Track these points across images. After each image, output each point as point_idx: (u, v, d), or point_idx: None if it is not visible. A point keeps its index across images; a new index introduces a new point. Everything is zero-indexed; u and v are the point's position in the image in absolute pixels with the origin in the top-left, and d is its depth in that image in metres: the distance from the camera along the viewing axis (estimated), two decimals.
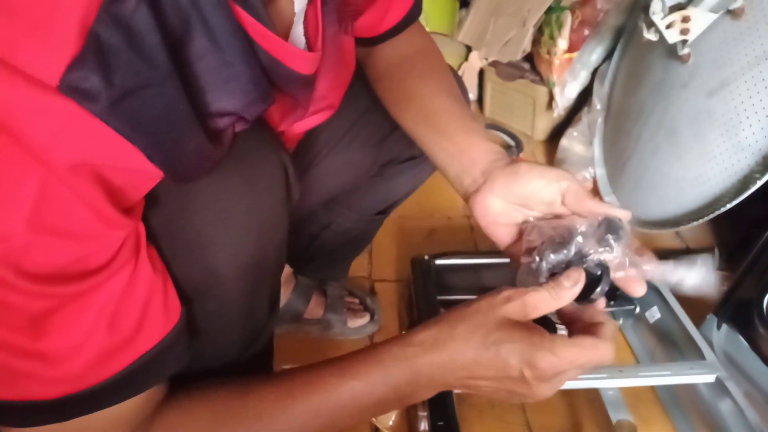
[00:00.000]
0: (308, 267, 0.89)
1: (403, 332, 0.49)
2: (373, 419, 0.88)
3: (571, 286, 0.47)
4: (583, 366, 0.46)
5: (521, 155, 1.54)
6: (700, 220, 1.02)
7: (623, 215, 0.52)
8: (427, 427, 0.80)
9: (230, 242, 0.46)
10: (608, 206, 0.52)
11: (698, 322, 0.94)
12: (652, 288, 0.99)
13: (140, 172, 0.37)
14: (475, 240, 1.30)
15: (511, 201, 0.55)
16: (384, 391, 0.47)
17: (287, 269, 0.98)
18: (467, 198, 0.58)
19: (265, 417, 0.46)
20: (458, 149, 0.58)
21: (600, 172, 1.37)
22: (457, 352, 0.46)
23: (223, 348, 0.54)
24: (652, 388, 0.95)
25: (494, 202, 0.55)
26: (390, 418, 0.87)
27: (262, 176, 0.49)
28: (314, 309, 1.02)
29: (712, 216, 1.00)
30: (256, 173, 0.49)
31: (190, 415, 0.47)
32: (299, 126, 0.65)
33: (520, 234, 0.56)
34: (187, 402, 0.47)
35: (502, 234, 0.56)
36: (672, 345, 0.94)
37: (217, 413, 0.47)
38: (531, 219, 0.56)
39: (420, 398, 0.48)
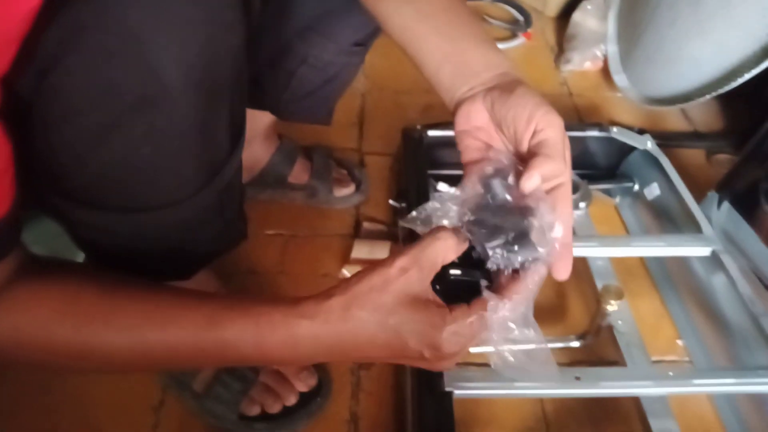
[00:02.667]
0: (289, 109, 0.83)
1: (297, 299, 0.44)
2: None
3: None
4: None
5: (530, 31, 1.44)
6: (713, 93, 0.96)
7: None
8: None
9: (173, 40, 0.41)
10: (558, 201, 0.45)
11: (698, 199, 0.89)
12: (655, 164, 0.94)
13: None
14: None
15: (494, 118, 0.48)
16: (252, 351, 0.44)
17: (269, 128, 0.93)
18: (454, 104, 0.51)
19: (117, 331, 0.44)
20: (463, 59, 0.51)
21: (612, 49, 1.28)
22: (348, 335, 0.42)
23: (181, 177, 0.50)
24: (643, 264, 0.92)
25: (479, 113, 0.49)
26: None
27: None
28: (299, 174, 0.98)
29: (727, 88, 0.94)
30: None
31: (40, 298, 0.43)
32: None
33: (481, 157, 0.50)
34: (45, 281, 0.44)
35: (470, 146, 0.50)
36: (669, 222, 0.90)
37: (67, 305, 0.44)
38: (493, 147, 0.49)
39: (301, 363, 0.44)
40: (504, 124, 0.47)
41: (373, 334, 0.42)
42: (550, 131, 0.44)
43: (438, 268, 0.43)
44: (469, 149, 0.50)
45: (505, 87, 0.48)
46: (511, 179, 0.46)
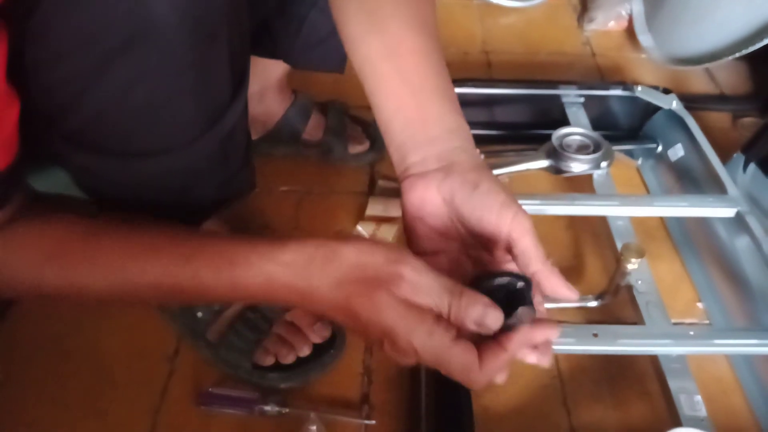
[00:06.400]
0: (302, 57, 0.81)
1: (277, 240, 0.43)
2: (375, 234, 0.85)
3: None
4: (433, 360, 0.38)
5: None
6: (744, 51, 0.92)
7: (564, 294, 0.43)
8: None
9: None
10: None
11: (723, 162, 0.87)
12: (680, 124, 0.92)
13: None
14: (492, 77, 1.21)
15: (453, 211, 0.45)
16: (228, 290, 0.43)
17: (282, 80, 0.91)
18: (402, 171, 0.46)
19: (101, 271, 0.45)
20: (419, 115, 0.46)
21: (637, 8, 1.24)
22: (316, 292, 0.40)
23: (180, 121, 0.49)
24: (664, 226, 0.90)
25: (436, 202, 0.45)
26: (391, 233, 0.84)
27: None
28: (313, 130, 0.96)
29: (757, 46, 0.90)
30: None
31: (33, 240, 0.45)
32: None
33: (441, 244, 0.46)
34: (40, 222, 0.46)
35: (423, 236, 0.46)
36: (692, 184, 0.88)
37: (58, 242, 0.45)
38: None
39: (277, 304, 0.44)
40: (466, 222, 0.44)
41: (328, 295, 0.40)
42: (526, 240, 0.42)
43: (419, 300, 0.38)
44: (422, 239, 0.46)
45: (467, 175, 0.44)
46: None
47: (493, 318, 0.38)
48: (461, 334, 0.39)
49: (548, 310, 0.78)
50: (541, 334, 0.41)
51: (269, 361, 0.67)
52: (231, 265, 0.42)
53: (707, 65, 1.06)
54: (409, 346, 0.38)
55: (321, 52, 0.81)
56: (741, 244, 0.78)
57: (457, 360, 0.38)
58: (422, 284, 0.38)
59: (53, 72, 0.43)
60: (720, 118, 1.11)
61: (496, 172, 0.87)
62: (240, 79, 0.55)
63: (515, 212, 0.42)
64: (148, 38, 0.41)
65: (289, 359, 0.67)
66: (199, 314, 0.69)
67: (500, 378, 0.40)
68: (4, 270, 0.45)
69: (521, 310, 0.40)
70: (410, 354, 0.38)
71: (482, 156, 0.90)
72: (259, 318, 0.69)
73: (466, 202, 0.43)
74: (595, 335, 0.63)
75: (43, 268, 0.45)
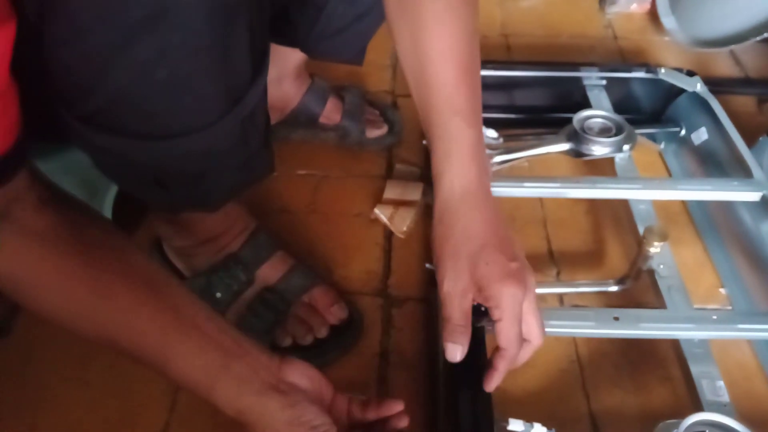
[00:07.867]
0: (319, 46, 0.80)
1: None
2: (387, 222, 0.84)
3: None
4: None
5: None
6: None
7: None
8: None
9: None
10: None
11: (749, 145, 0.85)
12: (704, 107, 0.90)
13: None
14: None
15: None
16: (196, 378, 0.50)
17: (300, 66, 0.90)
18: None
19: (102, 311, 0.47)
20: (431, 137, 0.54)
21: None
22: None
23: (201, 102, 0.49)
24: (686, 211, 0.88)
25: None
26: (405, 223, 0.84)
27: None
28: (331, 114, 0.95)
29: None
30: None
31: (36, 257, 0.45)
32: None
33: None
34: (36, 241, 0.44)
35: None
36: (716, 168, 0.86)
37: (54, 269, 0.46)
38: None
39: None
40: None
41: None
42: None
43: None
44: None
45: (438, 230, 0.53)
46: None
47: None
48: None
49: (566, 294, 0.78)
50: None
51: (287, 342, 0.68)
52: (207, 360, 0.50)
53: (732, 47, 1.03)
54: None
55: (339, 43, 0.80)
56: (766, 228, 0.76)
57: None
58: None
59: (74, 49, 0.42)
60: (745, 101, 1.08)
61: (516, 155, 0.86)
62: (260, 59, 0.54)
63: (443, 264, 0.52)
64: (168, 15, 0.41)
65: (306, 340, 0.67)
66: (218, 295, 0.69)
67: None
68: (11, 281, 0.46)
69: None
70: None
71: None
72: (278, 299, 0.69)
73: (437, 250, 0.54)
74: (617, 318, 0.62)
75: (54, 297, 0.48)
